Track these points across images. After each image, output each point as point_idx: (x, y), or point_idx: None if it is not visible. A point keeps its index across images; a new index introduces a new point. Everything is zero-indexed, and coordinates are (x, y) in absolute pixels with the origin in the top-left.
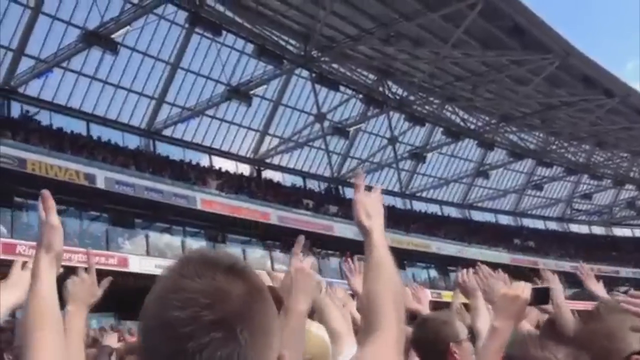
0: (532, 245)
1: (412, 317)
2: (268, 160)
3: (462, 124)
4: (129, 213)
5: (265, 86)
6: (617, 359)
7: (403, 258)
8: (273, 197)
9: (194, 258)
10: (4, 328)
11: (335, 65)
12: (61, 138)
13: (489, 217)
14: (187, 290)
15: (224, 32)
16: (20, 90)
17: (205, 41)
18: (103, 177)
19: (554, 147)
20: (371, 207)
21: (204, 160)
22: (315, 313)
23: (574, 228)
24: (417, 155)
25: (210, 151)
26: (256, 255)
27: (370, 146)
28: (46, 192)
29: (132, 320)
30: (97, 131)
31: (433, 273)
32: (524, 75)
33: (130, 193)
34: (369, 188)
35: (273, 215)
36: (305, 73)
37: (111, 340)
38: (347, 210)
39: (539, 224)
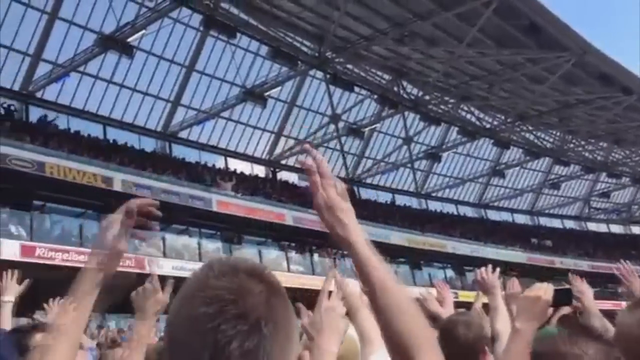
0: (549, 245)
1: (432, 319)
2: (283, 162)
3: (477, 123)
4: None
5: (280, 88)
6: None
7: (419, 258)
8: (288, 198)
9: (217, 262)
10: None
11: (349, 66)
12: (79, 141)
13: (505, 217)
14: (213, 287)
15: (239, 35)
16: (38, 94)
17: (220, 44)
18: (120, 179)
19: (571, 145)
20: (339, 206)
21: (219, 162)
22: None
23: (592, 227)
24: (433, 155)
25: (226, 153)
26: (272, 256)
27: (385, 146)
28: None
29: None
30: (113, 134)
31: (449, 273)
32: (540, 74)
33: (147, 195)
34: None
35: (288, 216)
36: (319, 74)
37: None
38: (362, 211)
39: (557, 223)
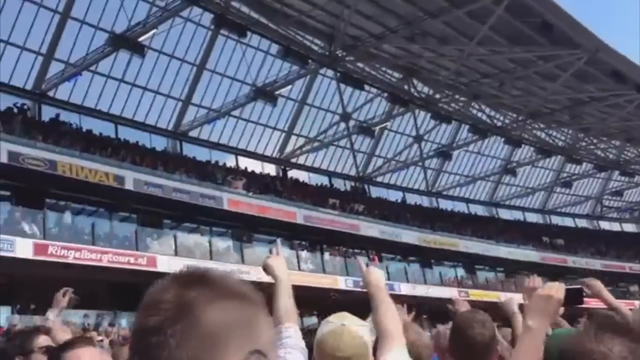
0: (561, 244)
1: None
2: (294, 160)
3: (488, 121)
4: (157, 214)
5: (290, 86)
6: None
7: (430, 257)
8: (299, 196)
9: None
10: None
11: (360, 65)
12: (90, 140)
13: (517, 215)
14: (144, 299)
15: (249, 34)
16: (51, 93)
17: (231, 42)
18: (132, 178)
19: (584, 143)
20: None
21: (230, 161)
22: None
23: (605, 225)
24: (444, 154)
25: (237, 152)
26: (282, 255)
27: (396, 145)
28: None
29: None
30: (125, 133)
31: (460, 272)
32: (552, 71)
33: (158, 194)
34: None
35: (299, 214)
36: (330, 73)
37: None
38: (373, 209)
39: (569, 222)
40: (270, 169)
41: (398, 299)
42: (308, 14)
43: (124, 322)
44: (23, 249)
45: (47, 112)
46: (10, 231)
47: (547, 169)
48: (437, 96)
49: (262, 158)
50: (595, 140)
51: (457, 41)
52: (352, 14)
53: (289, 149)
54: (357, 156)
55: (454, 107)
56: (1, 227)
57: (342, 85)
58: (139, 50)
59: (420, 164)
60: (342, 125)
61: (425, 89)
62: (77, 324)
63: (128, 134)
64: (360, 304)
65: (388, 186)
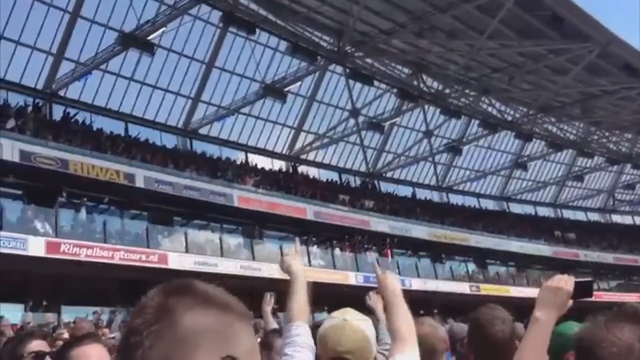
0: (573, 237)
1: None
2: (303, 157)
3: (499, 115)
4: (168, 211)
5: (299, 83)
6: None
7: (441, 252)
8: (309, 192)
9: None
10: None
11: (369, 60)
12: (101, 139)
13: (528, 210)
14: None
15: (258, 31)
16: (61, 93)
17: (240, 40)
18: (142, 176)
19: (595, 137)
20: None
21: (240, 158)
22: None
23: (617, 219)
24: (454, 148)
25: (246, 149)
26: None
27: (405, 140)
28: None
29: None
30: (135, 131)
31: (471, 266)
32: (563, 65)
33: (169, 191)
34: None
35: (309, 210)
36: (339, 69)
37: None
38: (382, 205)
39: (580, 216)
40: (280, 166)
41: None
42: (316, 10)
43: None
44: (35, 247)
45: (58, 112)
46: (22, 230)
47: (558, 162)
48: (447, 91)
49: (272, 155)
50: (607, 134)
51: (467, 35)
52: (361, 10)
53: (298, 145)
54: (367, 152)
55: (463, 102)
56: (14, 226)
57: (351, 81)
58: (149, 48)
59: (430, 159)
60: (352, 121)
61: (435, 84)
62: (92, 320)
63: (138, 132)
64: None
65: (398, 181)
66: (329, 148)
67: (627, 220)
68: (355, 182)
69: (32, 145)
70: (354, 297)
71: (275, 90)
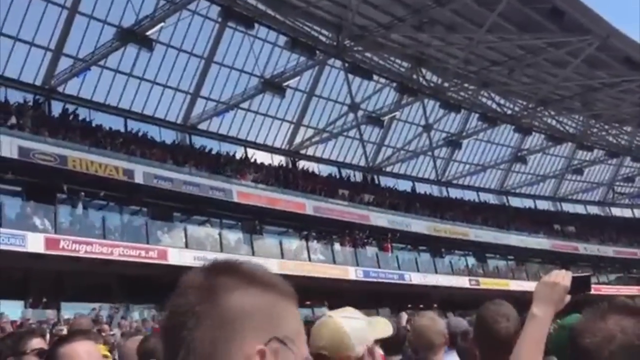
0: (572, 231)
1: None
2: (303, 151)
3: (498, 109)
4: (167, 207)
5: (298, 77)
6: None
7: (441, 246)
8: (309, 187)
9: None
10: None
11: (368, 55)
12: (100, 135)
13: (528, 203)
14: (178, 285)
15: (257, 25)
16: (60, 89)
17: (238, 35)
18: (142, 172)
19: (595, 130)
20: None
21: (239, 153)
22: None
23: (616, 212)
24: (453, 142)
25: (246, 144)
26: (292, 246)
27: (405, 134)
28: None
29: None
30: (134, 127)
31: (471, 260)
32: (563, 58)
33: (168, 187)
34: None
35: (308, 205)
36: (338, 63)
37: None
38: (382, 199)
39: (580, 209)
40: (280, 161)
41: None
42: (315, 4)
43: (136, 315)
44: (35, 243)
45: (57, 108)
46: (22, 226)
47: (557, 156)
48: (446, 85)
49: (272, 150)
50: (606, 127)
51: (466, 29)
52: (360, 4)
53: (298, 140)
54: (367, 146)
55: (463, 96)
56: (13, 222)
57: (350, 76)
58: (147, 44)
59: (429, 153)
60: (351, 115)
61: (434, 78)
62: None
63: (137, 128)
64: (369, 294)
65: (397, 176)
66: (328, 143)
67: (627, 213)
68: (354, 176)
69: (31, 141)
70: (354, 292)
71: (274, 85)
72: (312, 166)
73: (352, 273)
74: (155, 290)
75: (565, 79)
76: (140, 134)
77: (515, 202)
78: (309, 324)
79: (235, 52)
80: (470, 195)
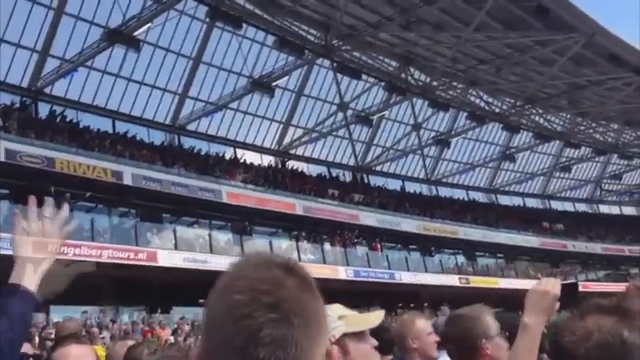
0: (561, 228)
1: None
2: (292, 151)
3: (486, 107)
4: (156, 208)
5: (287, 77)
6: None
7: (430, 245)
8: (298, 187)
9: (253, 255)
10: None
11: (356, 54)
12: (88, 136)
13: (516, 201)
14: (248, 278)
15: (245, 25)
16: (47, 90)
17: (226, 35)
18: (130, 173)
19: (582, 127)
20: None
21: (228, 154)
22: None
23: (604, 209)
24: (442, 141)
25: (235, 144)
26: (282, 246)
27: (394, 133)
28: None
29: (162, 314)
30: (122, 128)
31: (461, 259)
32: (549, 56)
33: (157, 188)
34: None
35: (298, 205)
36: (326, 63)
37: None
38: (372, 199)
39: (568, 206)
40: (269, 161)
41: None
42: (303, 3)
43: (126, 318)
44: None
45: (44, 109)
46: (9, 229)
47: (545, 154)
48: (435, 84)
49: (261, 150)
50: (593, 124)
51: (453, 27)
52: (348, 3)
53: (287, 140)
54: (356, 146)
55: (451, 95)
56: (0, 226)
57: (339, 75)
58: (135, 44)
59: (418, 152)
60: (340, 115)
61: (422, 77)
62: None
63: (125, 129)
64: (360, 294)
65: (387, 175)
66: (317, 142)
67: (615, 210)
68: (344, 176)
69: (18, 143)
70: (344, 291)
71: (263, 85)
72: (302, 166)
73: (342, 273)
74: (145, 292)
75: (552, 77)
76: (128, 135)
77: (504, 200)
78: None
79: (223, 52)
80: (459, 194)
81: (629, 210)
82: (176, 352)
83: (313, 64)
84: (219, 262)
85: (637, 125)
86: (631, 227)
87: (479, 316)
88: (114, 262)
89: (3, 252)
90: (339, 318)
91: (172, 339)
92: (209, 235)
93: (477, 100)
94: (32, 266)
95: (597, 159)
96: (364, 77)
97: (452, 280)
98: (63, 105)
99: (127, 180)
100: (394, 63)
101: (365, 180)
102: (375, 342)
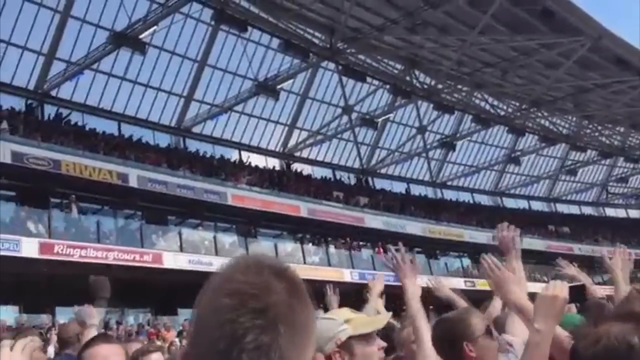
0: (567, 231)
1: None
2: (297, 154)
3: (491, 110)
4: (162, 210)
5: (292, 80)
6: None
7: (435, 248)
8: (303, 190)
9: (243, 258)
10: None
11: (361, 57)
12: (94, 139)
13: (522, 204)
14: (237, 281)
15: (250, 28)
16: (53, 93)
17: (232, 38)
18: (136, 175)
19: (588, 130)
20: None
21: (233, 156)
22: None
23: (610, 212)
24: (447, 144)
25: (240, 147)
26: (287, 249)
27: (399, 136)
28: None
29: (167, 315)
30: (128, 131)
31: (466, 262)
32: (555, 59)
33: (162, 191)
34: None
35: (303, 208)
36: (331, 65)
37: None
38: (376, 201)
39: (574, 209)
40: (274, 163)
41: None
42: (308, 7)
43: (131, 320)
44: (29, 248)
45: (50, 112)
46: (16, 231)
47: (551, 157)
48: (440, 86)
49: (266, 152)
50: (599, 127)
51: (459, 31)
52: (352, 6)
53: (292, 142)
54: (361, 148)
55: (456, 97)
56: (7, 227)
57: (344, 78)
58: (140, 47)
59: (423, 154)
60: (345, 118)
61: (428, 80)
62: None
63: (131, 132)
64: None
65: (392, 178)
66: (322, 145)
67: (621, 213)
68: (349, 179)
69: (24, 146)
70: (349, 294)
71: (267, 88)
72: (307, 168)
73: (347, 275)
74: (151, 294)
75: (558, 80)
76: (134, 137)
77: (509, 203)
78: None
79: (228, 55)
80: (464, 197)
81: (635, 214)
82: None
83: (318, 67)
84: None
85: None
86: (637, 230)
87: (464, 318)
88: (119, 264)
89: (11, 253)
90: (346, 321)
91: (177, 340)
92: (214, 238)
93: (483, 103)
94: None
95: (603, 162)
96: (368, 79)
97: (458, 283)
98: (69, 107)
99: (133, 183)
100: (399, 66)
101: (370, 183)
102: (382, 344)
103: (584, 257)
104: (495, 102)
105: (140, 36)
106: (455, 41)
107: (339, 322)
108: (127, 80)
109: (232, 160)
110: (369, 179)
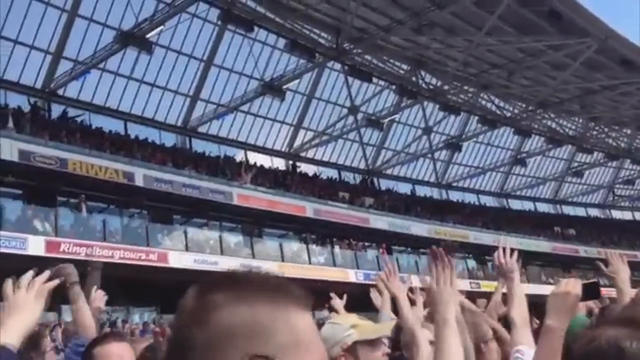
0: (573, 233)
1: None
2: (303, 154)
3: (498, 111)
4: (167, 210)
5: (298, 80)
6: None
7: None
8: (309, 190)
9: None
10: None
11: (367, 57)
12: (100, 138)
13: (528, 206)
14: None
15: (256, 28)
16: (60, 92)
17: (238, 37)
18: (142, 175)
19: (594, 132)
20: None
21: (239, 156)
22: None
23: (617, 214)
24: (453, 145)
25: (246, 146)
26: (293, 249)
27: (405, 137)
28: None
29: (172, 314)
30: (134, 130)
31: (471, 263)
32: (562, 61)
33: (168, 190)
34: None
35: (309, 208)
36: (337, 66)
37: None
38: (382, 202)
39: (580, 211)
40: (280, 163)
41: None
42: (315, 7)
43: (137, 318)
44: (35, 246)
45: (57, 111)
46: (22, 229)
47: (557, 158)
48: (446, 87)
49: (271, 152)
50: (606, 129)
51: (465, 32)
52: (359, 6)
53: (297, 142)
54: (366, 149)
55: (462, 98)
56: (14, 225)
57: (350, 78)
58: (147, 47)
59: (429, 155)
60: (351, 118)
61: (434, 81)
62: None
63: (137, 131)
64: (369, 297)
65: (397, 178)
66: (328, 145)
67: (627, 215)
68: (354, 179)
69: (31, 144)
70: (355, 294)
71: (273, 88)
72: (312, 169)
73: (352, 276)
74: (156, 293)
75: (565, 82)
76: (140, 137)
77: (515, 204)
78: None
79: (234, 55)
80: (470, 198)
81: None
82: None
83: (324, 67)
84: (229, 264)
85: None
86: None
87: (477, 321)
88: (125, 262)
89: (18, 251)
90: (352, 327)
91: None
92: (220, 237)
93: (489, 104)
94: (16, 323)
95: (609, 164)
96: (374, 80)
97: (463, 284)
98: (76, 106)
99: (139, 182)
100: (405, 66)
101: (376, 184)
102: (387, 350)
103: (590, 259)
104: (502, 104)
105: (147, 36)
106: (461, 42)
107: (346, 327)
108: (133, 79)
109: (238, 160)
110: (375, 179)
